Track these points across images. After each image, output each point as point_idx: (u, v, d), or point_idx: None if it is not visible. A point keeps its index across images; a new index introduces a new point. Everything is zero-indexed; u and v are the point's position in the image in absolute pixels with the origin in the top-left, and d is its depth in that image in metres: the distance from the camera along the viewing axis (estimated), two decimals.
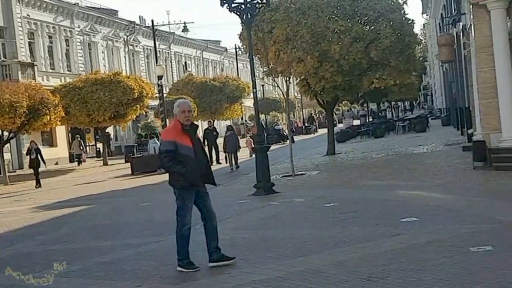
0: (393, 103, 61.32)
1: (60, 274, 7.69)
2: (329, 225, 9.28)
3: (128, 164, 28.30)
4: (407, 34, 21.93)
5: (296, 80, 24.18)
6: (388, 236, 7.97)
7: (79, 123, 33.76)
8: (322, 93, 22.98)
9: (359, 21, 21.69)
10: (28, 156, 24.05)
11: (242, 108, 53.06)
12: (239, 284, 6.36)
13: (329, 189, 13.95)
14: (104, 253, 8.81)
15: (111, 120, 33.43)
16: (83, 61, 42.32)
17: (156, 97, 35.16)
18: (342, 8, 21.38)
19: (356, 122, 47.83)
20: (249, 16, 14.37)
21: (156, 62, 36.50)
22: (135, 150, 33.99)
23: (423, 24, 70.75)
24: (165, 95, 35.19)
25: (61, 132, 37.85)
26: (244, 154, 26.41)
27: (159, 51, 47.87)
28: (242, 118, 60.39)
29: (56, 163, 35.30)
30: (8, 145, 29.14)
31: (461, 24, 20.32)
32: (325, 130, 30.13)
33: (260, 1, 14.47)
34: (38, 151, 23.64)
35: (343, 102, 60.71)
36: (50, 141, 37.62)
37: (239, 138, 25.49)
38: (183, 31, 45.18)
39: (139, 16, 53.36)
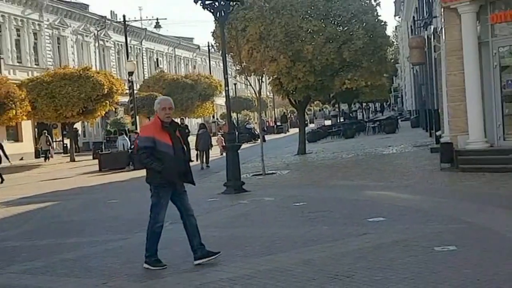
0: (364, 104, 61.72)
1: (23, 271, 7.58)
2: (298, 224, 9.29)
3: (96, 161, 28.02)
4: (379, 35, 22.11)
5: (268, 79, 24.19)
6: (356, 235, 8.02)
7: (46, 118, 33.26)
8: (294, 92, 23.03)
9: (333, 22, 21.80)
10: None
11: (213, 106, 53.01)
12: (206, 282, 6.33)
13: (299, 189, 13.99)
14: (69, 250, 8.67)
15: (79, 116, 33.04)
16: (51, 55, 41.75)
17: (126, 93, 34.91)
18: (316, 8, 21.44)
19: (328, 123, 48.10)
20: (222, 14, 14.32)
21: (127, 58, 36.21)
22: (103, 147, 33.71)
23: (395, 27, 71.45)
24: (135, 91, 34.98)
25: (27, 127, 37.28)
26: (215, 152, 26.35)
27: (131, 47, 47.46)
28: (213, 116, 60.28)
29: (21, 159, 34.76)
30: None
31: (432, 27, 20.55)
32: (296, 130, 30.21)
33: None
34: (0, 146, 23.14)
35: (315, 102, 60.93)
36: (16, 136, 37.05)
37: (211, 136, 25.42)
38: (155, 27, 44.88)
39: (111, 11, 52.99)
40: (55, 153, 37.60)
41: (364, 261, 6.60)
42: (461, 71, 14.68)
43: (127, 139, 29.21)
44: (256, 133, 40.23)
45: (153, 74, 51.99)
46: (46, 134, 35.78)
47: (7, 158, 23.22)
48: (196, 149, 23.44)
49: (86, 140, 44.79)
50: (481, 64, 14.45)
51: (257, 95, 20.29)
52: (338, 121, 46.52)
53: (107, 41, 49.38)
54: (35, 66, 39.53)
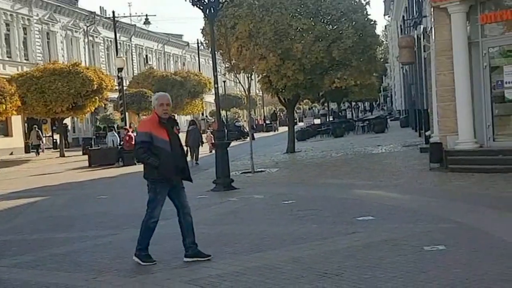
0: (353, 103, 61.94)
1: (13, 265, 7.57)
2: (287, 222, 9.30)
3: (86, 157, 27.94)
4: (369, 35, 22.14)
5: (258, 77, 24.19)
6: (345, 234, 8.04)
7: (36, 113, 33.11)
8: (283, 90, 23.05)
9: (322, 20, 21.81)
10: None
11: (203, 103, 52.93)
12: (196, 278, 6.33)
13: (288, 187, 14.01)
14: (59, 245, 8.66)
15: (69, 112, 32.89)
16: (41, 51, 41.53)
17: (116, 89, 34.80)
18: (306, 6, 21.46)
19: (317, 121, 48.18)
20: (212, 11, 14.29)
21: (117, 54, 36.07)
22: (93, 143, 33.61)
23: (385, 26, 71.68)
24: (125, 88, 34.85)
25: (17, 122, 37.12)
26: (204, 149, 26.31)
27: (120, 43, 47.32)
28: (203, 114, 60.19)
29: (11, 153, 34.60)
30: None
31: (422, 26, 20.63)
32: (286, 128, 30.25)
33: None
34: None
35: (304, 101, 61.06)
36: (5, 131, 36.89)
37: (201, 133, 25.41)
38: (144, 23, 44.76)
39: (100, 7, 52.61)
40: (45, 148, 37.45)
41: (353, 259, 6.63)
42: (450, 71, 14.73)
43: (116, 135, 29.17)
44: (245, 131, 40.26)
45: (143, 70, 51.85)
46: (37, 129, 35.64)
47: None
48: (186, 145, 23.42)
49: (76, 135, 44.64)
50: (471, 64, 14.50)
51: (247, 93, 20.31)
52: (328, 120, 46.60)
53: (96, 37, 49.18)
54: (25, 61, 39.31)
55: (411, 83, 32.83)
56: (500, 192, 10.98)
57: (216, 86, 14.81)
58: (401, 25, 38.03)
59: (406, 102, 41.67)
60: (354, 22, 21.54)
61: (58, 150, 34.91)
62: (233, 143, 26.32)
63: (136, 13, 60.06)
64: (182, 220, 7.14)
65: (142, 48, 57.77)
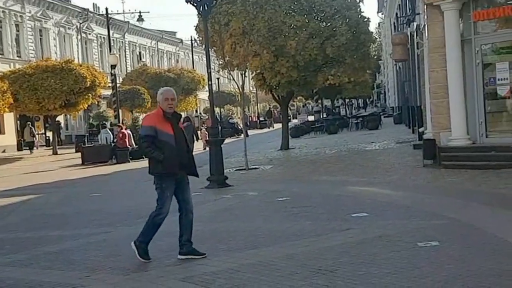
0: (347, 100, 61.96)
1: (6, 263, 7.54)
2: (282, 219, 9.31)
3: (79, 154, 27.85)
4: (362, 32, 22.17)
5: (251, 74, 24.18)
6: (339, 230, 8.06)
7: (28, 111, 32.96)
8: (277, 87, 23.05)
9: (316, 17, 21.82)
10: None
11: (197, 100, 52.83)
12: (190, 276, 6.33)
13: (282, 184, 14.01)
14: (52, 243, 8.64)
15: (61, 109, 32.76)
16: (33, 47, 41.37)
17: (109, 86, 34.67)
18: (299, 3, 21.47)
19: (311, 118, 48.21)
20: (205, 8, 14.26)
21: (110, 51, 35.97)
22: (86, 140, 33.50)
23: (378, 23, 71.80)
24: (118, 85, 34.74)
25: (9, 119, 36.97)
26: (198, 146, 26.28)
27: (113, 40, 47.16)
28: (196, 111, 60.09)
29: (4, 151, 34.46)
30: None
31: (415, 24, 20.66)
32: (280, 125, 30.25)
33: None
34: None
35: (298, 98, 61.03)
36: None
37: (195, 130, 25.38)
38: (138, 20, 44.63)
39: (93, 4, 52.44)
40: (39, 145, 37.35)
41: (347, 256, 6.64)
42: (443, 68, 14.77)
43: (109, 132, 29.08)
44: (239, 128, 40.25)
45: (136, 67, 51.64)
46: (30, 126, 35.51)
47: None
48: None
49: (69, 133, 44.49)
50: (463, 61, 14.55)
51: (240, 90, 20.30)
52: (321, 117, 46.65)
53: (89, 34, 48.99)
54: (17, 58, 39.15)
55: (404, 80, 32.90)
56: (493, 189, 11.03)
57: (210, 83, 14.79)
58: (394, 23, 38.11)
59: (399, 99, 41.77)
60: (347, 19, 21.57)
61: (51, 147, 34.79)
62: (227, 140, 26.23)
63: (129, 10, 59.78)
64: (183, 216, 7.13)
65: (135, 45, 57.61)
